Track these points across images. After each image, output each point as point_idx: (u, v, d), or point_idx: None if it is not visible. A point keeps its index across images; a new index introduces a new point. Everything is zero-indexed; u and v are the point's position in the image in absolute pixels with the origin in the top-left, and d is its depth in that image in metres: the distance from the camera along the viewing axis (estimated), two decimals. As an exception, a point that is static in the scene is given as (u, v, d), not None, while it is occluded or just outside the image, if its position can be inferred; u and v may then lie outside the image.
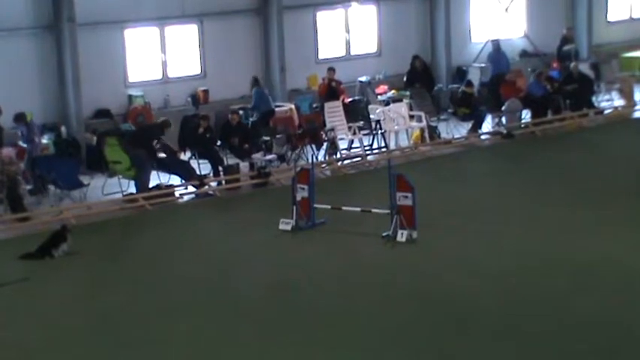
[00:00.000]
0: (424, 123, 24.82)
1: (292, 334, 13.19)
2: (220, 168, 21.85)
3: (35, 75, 22.87)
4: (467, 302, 13.96)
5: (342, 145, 24.04)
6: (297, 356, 12.56)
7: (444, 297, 14.24)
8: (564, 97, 26.97)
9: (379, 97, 27.00)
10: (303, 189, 17.90)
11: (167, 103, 24.71)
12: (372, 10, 28.49)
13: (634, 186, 19.87)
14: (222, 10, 25.50)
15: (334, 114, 24.31)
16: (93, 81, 23.18)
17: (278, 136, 23.13)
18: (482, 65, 29.22)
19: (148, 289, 15.29)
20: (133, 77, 24.33)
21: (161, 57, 24.84)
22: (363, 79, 27.45)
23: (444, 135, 25.23)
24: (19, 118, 21.66)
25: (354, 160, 23.66)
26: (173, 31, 25.01)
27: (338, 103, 24.72)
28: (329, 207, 17.87)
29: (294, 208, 17.77)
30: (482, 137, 25.64)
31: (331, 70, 25.65)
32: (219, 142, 22.46)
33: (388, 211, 16.86)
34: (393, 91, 27.33)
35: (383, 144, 24.13)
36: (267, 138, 23.13)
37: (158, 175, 21.27)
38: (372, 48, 28.63)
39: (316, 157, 22.37)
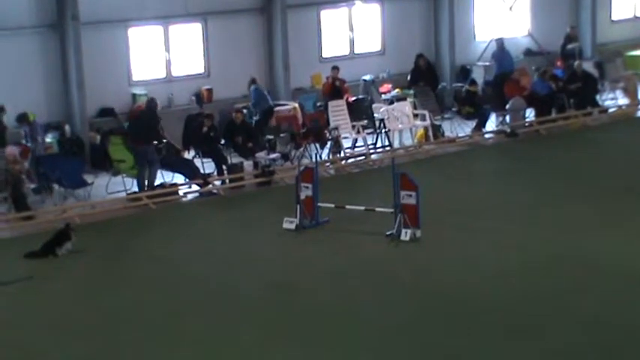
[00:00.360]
0: (428, 122, 24.82)
1: (295, 332, 13.20)
2: (224, 167, 21.86)
3: (39, 74, 22.89)
4: (470, 301, 13.96)
5: (346, 143, 24.05)
6: (299, 355, 12.57)
7: (448, 295, 14.24)
8: (568, 95, 26.95)
9: (383, 95, 26.99)
10: (307, 188, 17.91)
11: (171, 101, 24.71)
12: (375, 8, 28.47)
13: (638, 185, 19.86)
14: (225, 9, 25.51)
15: (338, 113, 24.32)
16: (97, 80, 23.19)
17: (282, 134, 23.14)
18: (487, 64, 29.18)
19: (152, 288, 15.31)
20: (136, 76, 24.34)
21: (165, 56, 24.85)
22: (367, 77, 27.42)
23: (447, 134, 25.23)
24: (22, 118, 21.71)
25: (358, 158, 23.66)
26: (177, 30, 25.02)
27: (342, 102, 24.72)
28: (333, 206, 17.87)
29: (298, 206, 17.77)
30: (486, 136, 25.63)
31: (335, 68, 25.63)
32: (223, 141, 22.46)
33: (392, 210, 16.87)
34: (397, 90, 27.31)
35: (387, 143, 24.12)
36: (270, 137, 23.13)
37: (162, 174, 21.28)
38: (376, 47, 28.61)
39: (320, 156, 22.37)
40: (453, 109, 26.63)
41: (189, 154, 22.68)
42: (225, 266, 16.19)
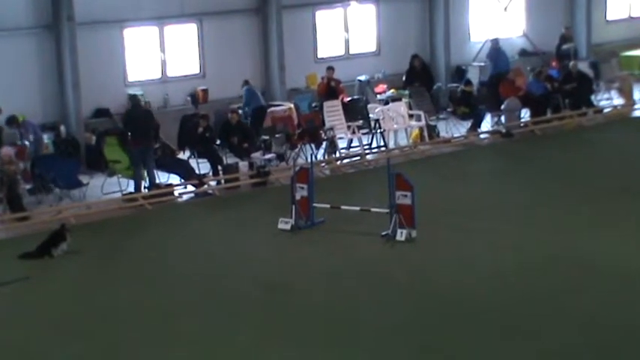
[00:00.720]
0: (423, 122, 24.82)
1: (291, 333, 13.20)
2: (219, 167, 21.86)
3: (34, 74, 22.87)
4: (466, 301, 13.96)
5: (342, 144, 24.05)
6: (295, 355, 12.57)
7: (443, 296, 14.25)
8: (563, 96, 26.97)
9: (378, 96, 27.01)
10: (303, 188, 17.91)
11: (166, 102, 24.71)
12: (371, 9, 28.48)
13: (633, 185, 19.88)
14: (221, 10, 25.50)
15: (333, 113, 24.31)
16: (92, 80, 23.18)
17: (277, 135, 23.12)
18: (482, 64, 29.22)
19: (147, 289, 15.29)
20: (132, 76, 24.33)
21: (160, 56, 24.84)
22: (362, 78, 27.44)
23: (443, 134, 25.24)
24: (11, 121, 21.61)
25: (354, 159, 23.67)
26: (172, 31, 25.01)
27: (337, 103, 24.72)
28: (328, 206, 17.87)
29: (294, 207, 17.77)
30: (482, 136, 25.64)
31: (330, 69, 25.63)
32: (218, 142, 22.46)
33: (387, 210, 16.87)
34: (392, 90, 27.31)
35: (382, 143, 24.15)
36: (266, 137, 23.13)
37: (158, 174, 21.27)
38: (371, 47, 28.63)
39: (315, 157, 22.38)
40: (448, 109, 26.63)
41: (184, 155, 22.68)
42: (220, 267, 16.19)
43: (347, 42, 28.10)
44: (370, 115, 24.68)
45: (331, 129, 23.59)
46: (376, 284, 14.90)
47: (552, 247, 16.09)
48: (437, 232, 17.05)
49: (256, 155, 22.24)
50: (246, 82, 25.01)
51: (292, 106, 24.64)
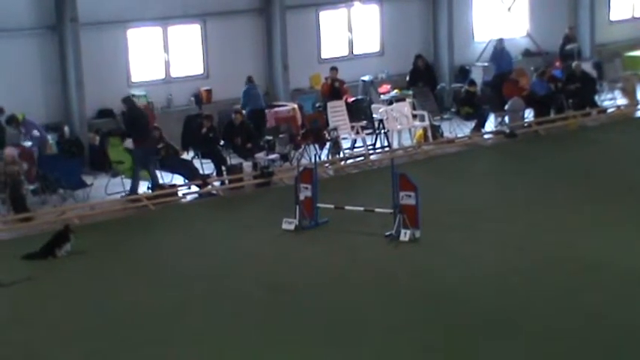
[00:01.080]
0: (427, 122, 24.82)
1: (295, 333, 13.19)
2: (223, 167, 21.87)
3: (38, 75, 22.90)
4: (470, 301, 13.95)
5: (345, 144, 24.05)
6: (299, 356, 12.56)
7: (447, 296, 14.24)
8: (567, 96, 26.95)
9: (382, 96, 27.00)
10: (307, 188, 17.91)
11: (170, 102, 24.73)
12: (374, 9, 28.48)
13: (637, 185, 19.87)
14: (224, 10, 25.51)
15: (337, 113, 24.32)
16: (96, 81, 23.20)
17: (281, 135, 23.14)
18: (485, 64, 29.21)
19: (151, 289, 15.29)
20: (135, 77, 24.35)
21: (164, 57, 24.86)
22: (366, 78, 27.44)
23: (446, 134, 25.23)
24: (11, 120, 21.59)
25: (357, 159, 23.66)
26: (176, 31, 25.03)
27: (341, 103, 24.73)
28: (332, 206, 17.87)
29: (297, 207, 17.77)
30: (485, 136, 25.63)
31: (334, 69, 25.64)
32: (222, 142, 22.46)
33: (391, 211, 16.86)
34: (395, 91, 27.32)
35: (386, 143, 24.14)
36: (269, 137, 23.12)
37: (161, 175, 21.28)
38: (375, 47, 28.62)
39: (319, 157, 22.38)
40: (452, 109, 26.63)
41: (188, 155, 22.68)
42: (224, 267, 16.19)
43: (351, 42, 28.10)
44: (374, 116, 24.70)
45: (335, 129, 23.59)
46: (380, 284, 14.89)
47: (556, 247, 16.08)
48: (441, 233, 17.04)
49: (260, 155, 22.25)
50: (249, 79, 24.99)
51: (296, 106, 24.67)
